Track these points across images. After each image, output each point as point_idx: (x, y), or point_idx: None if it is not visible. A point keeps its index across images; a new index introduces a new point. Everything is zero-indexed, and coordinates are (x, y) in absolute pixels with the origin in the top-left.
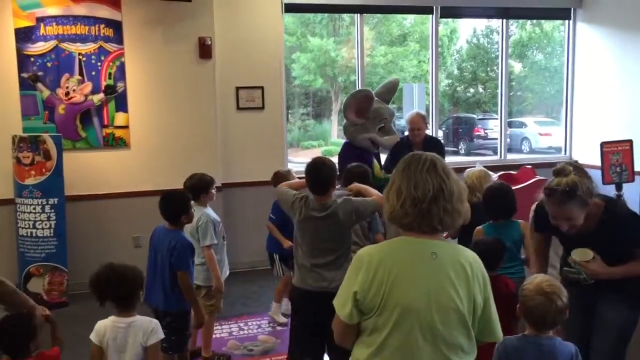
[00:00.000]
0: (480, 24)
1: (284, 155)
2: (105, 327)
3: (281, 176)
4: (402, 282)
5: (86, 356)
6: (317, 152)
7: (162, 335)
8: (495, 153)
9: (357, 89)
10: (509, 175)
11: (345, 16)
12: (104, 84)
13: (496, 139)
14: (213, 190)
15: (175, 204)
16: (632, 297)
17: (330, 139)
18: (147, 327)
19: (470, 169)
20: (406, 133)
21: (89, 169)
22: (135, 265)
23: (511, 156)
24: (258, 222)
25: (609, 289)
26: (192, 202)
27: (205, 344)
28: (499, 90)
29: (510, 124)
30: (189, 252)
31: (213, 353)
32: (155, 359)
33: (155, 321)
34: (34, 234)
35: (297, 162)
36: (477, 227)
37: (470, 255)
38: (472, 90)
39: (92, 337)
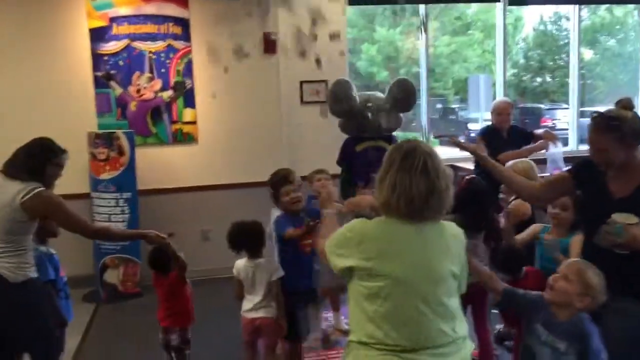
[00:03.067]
0: (548, 10)
1: None
2: (240, 266)
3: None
4: (390, 256)
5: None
6: None
7: (282, 273)
8: (565, 144)
9: (420, 80)
10: None
11: (407, 6)
12: (172, 81)
13: (565, 129)
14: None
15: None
16: None
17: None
18: (269, 266)
19: (515, 161)
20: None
21: (159, 164)
22: (256, 221)
23: (583, 147)
24: None
25: (615, 289)
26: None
27: None
28: (569, 79)
29: (580, 114)
30: None
31: None
32: (277, 291)
33: (276, 262)
34: None
35: None
36: (536, 225)
37: (450, 227)
38: (539, 79)
39: (234, 271)
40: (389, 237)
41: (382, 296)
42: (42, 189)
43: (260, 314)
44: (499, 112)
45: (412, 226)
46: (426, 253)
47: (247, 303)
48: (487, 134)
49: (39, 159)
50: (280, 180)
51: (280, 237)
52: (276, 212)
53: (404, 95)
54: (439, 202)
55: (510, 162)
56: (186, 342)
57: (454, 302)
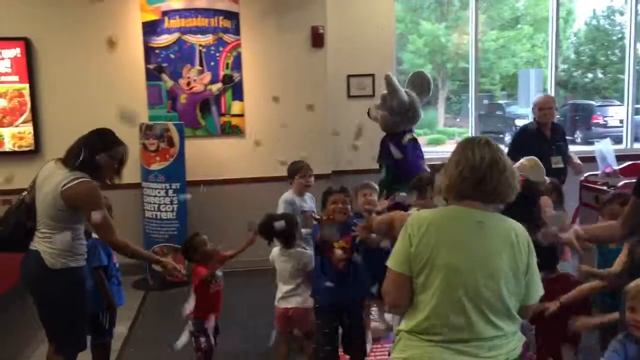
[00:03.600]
0: (600, 4)
1: None
2: (274, 254)
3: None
4: (447, 246)
5: None
6: (422, 141)
7: (313, 265)
8: (618, 142)
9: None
10: (636, 165)
11: (455, 0)
12: (222, 74)
13: (617, 127)
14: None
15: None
16: None
17: (437, 127)
18: (302, 257)
19: (522, 160)
20: (523, 121)
21: (207, 156)
22: (288, 212)
23: (638, 146)
24: None
25: None
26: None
27: None
28: (623, 75)
29: (635, 111)
30: None
31: None
32: (308, 283)
33: (309, 253)
34: (158, 217)
35: None
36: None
37: (516, 226)
38: (590, 75)
39: (270, 258)
40: (447, 226)
41: (435, 286)
42: (84, 179)
43: (292, 303)
44: (541, 106)
45: (472, 216)
46: (484, 246)
47: (279, 292)
48: (528, 134)
49: (92, 148)
50: (294, 171)
51: (316, 243)
52: (286, 194)
53: (422, 88)
54: (504, 177)
55: (517, 164)
56: (199, 331)
57: (511, 300)
